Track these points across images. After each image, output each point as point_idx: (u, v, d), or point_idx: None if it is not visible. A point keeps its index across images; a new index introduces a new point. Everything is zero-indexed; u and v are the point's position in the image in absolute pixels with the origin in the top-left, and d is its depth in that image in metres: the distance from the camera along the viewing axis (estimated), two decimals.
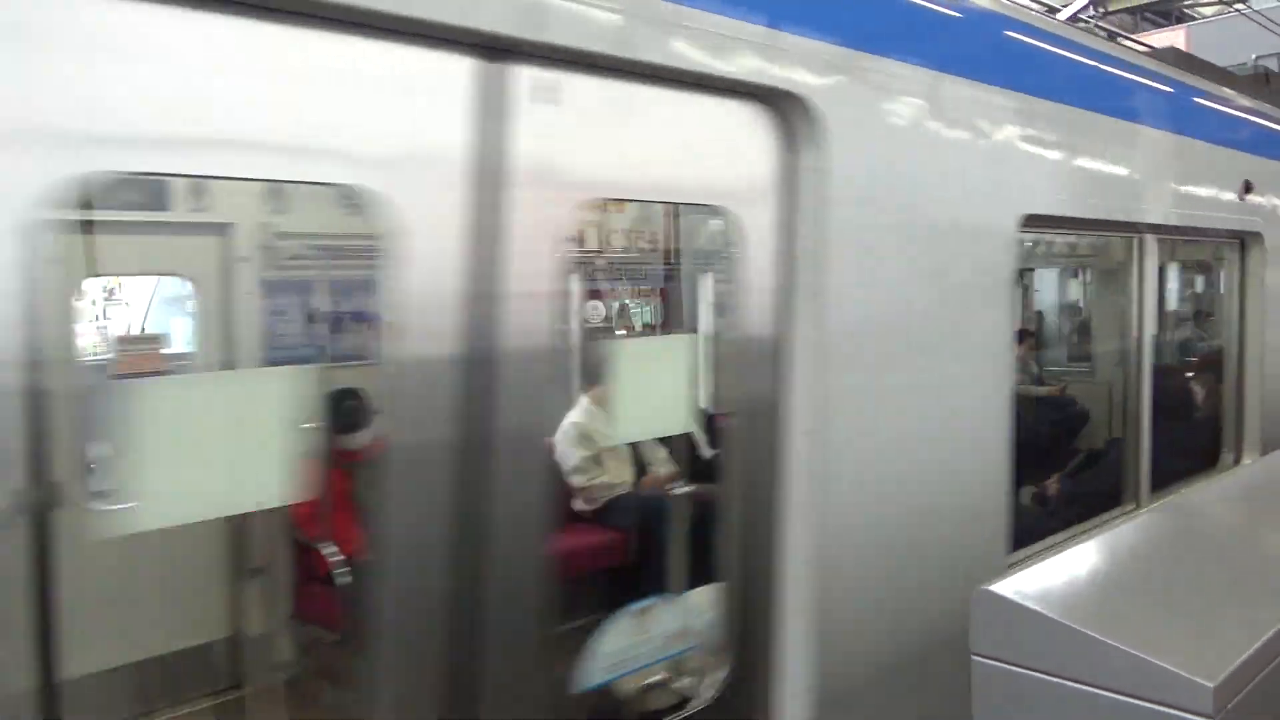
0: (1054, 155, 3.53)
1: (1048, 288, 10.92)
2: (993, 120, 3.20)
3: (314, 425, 1.98)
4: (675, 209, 6.43)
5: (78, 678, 1.85)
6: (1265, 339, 5.26)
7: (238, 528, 4.29)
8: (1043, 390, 9.16)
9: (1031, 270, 11.23)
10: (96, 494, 2.43)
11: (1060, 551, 3.80)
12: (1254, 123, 5.31)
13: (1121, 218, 4.04)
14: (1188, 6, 23.14)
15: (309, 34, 1.76)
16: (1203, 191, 4.69)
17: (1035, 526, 4.58)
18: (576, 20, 2.03)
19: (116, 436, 1.66)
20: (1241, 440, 5.33)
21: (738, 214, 2.52)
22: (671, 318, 7.47)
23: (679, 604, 2.81)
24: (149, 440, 1.68)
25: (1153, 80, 4.37)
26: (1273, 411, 5.35)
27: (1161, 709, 1.80)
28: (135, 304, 5.46)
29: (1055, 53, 3.66)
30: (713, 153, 2.48)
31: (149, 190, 4.56)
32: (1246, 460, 5.30)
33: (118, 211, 4.34)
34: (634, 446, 5.53)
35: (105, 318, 5.45)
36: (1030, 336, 9.96)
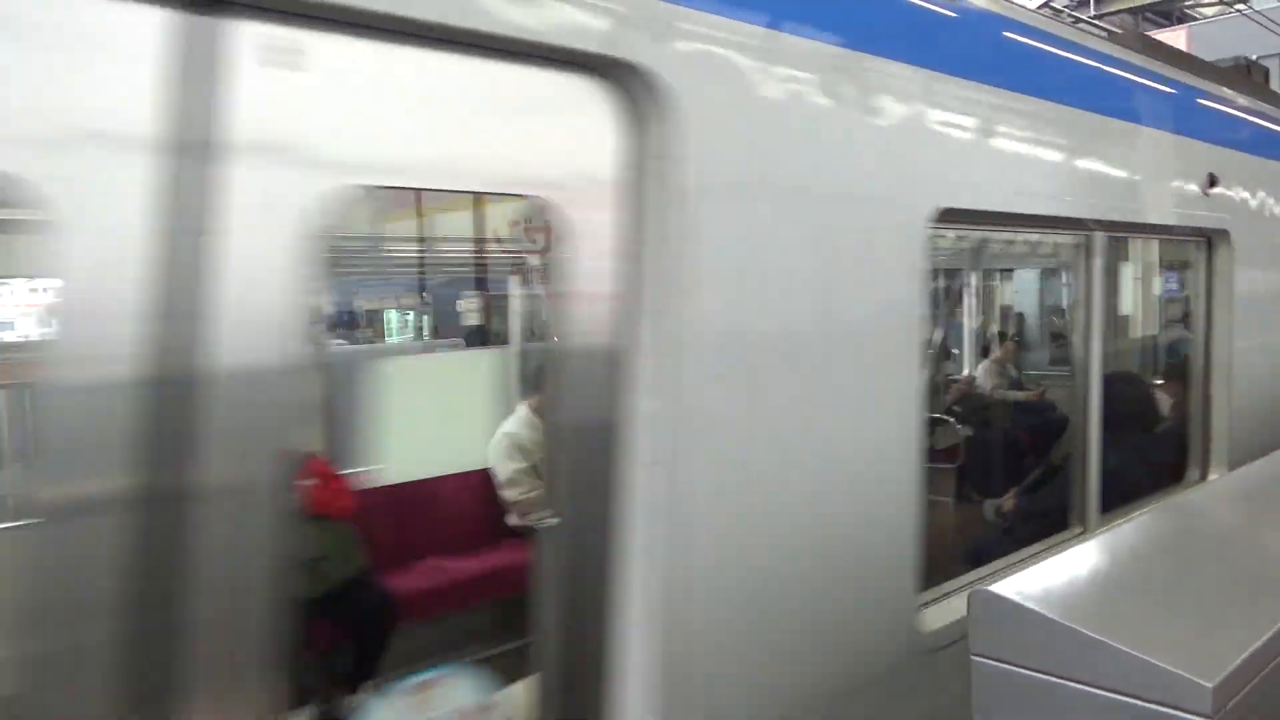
0: (977, 142, 3.15)
1: (1030, 289, 10.65)
2: (899, 101, 2.82)
3: None
4: (480, 200, 5.58)
5: None
6: (1234, 345, 4.87)
7: None
8: (1020, 395, 8.85)
9: (1011, 271, 10.93)
10: None
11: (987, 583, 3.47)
12: (1223, 113, 4.93)
13: (1064, 213, 3.66)
14: (1188, 6, 23.14)
15: None
16: (1162, 185, 4.31)
17: (978, 551, 4.23)
18: None
19: None
20: (1208, 454, 4.95)
21: (563, 206, 2.12)
22: (469, 326, 6.56)
23: (474, 677, 2.34)
24: None
25: (1104, 64, 4.00)
26: (1243, 424, 4.97)
27: (1160, 709, 1.80)
28: None
29: (982, 28, 3.28)
30: (529, 134, 2.08)
31: None
32: (1213, 476, 4.93)
33: None
34: None
35: None
36: (1008, 340, 9.65)
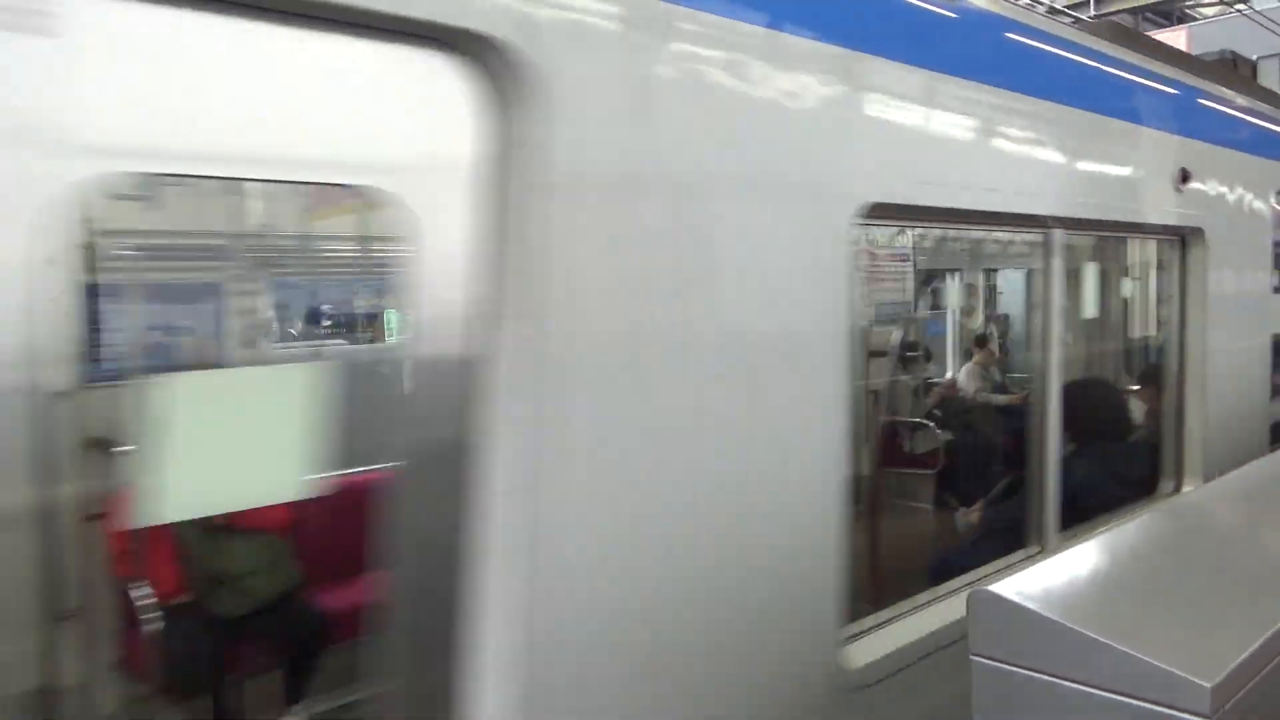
0: (915, 131, 2.89)
1: (1015, 289, 10.39)
2: (819, 85, 2.56)
3: None
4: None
5: None
6: (1209, 350, 4.61)
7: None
8: (1003, 399, 8.64)
9: (995, 271, 10.67)
10: None
11: (930, 607, 3.23)
12: (1200, 106, 4.67)
13: (1019, 209, 3.40)
14: (1189, 7, 23.16)
15: None
16: (1130, 181, 4.06)
17: (937, 568, 3.99)
18: None
19: None
20: (1182, 465, 4.69)
21: (405, 198, 1.85)
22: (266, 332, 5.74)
23: None
24: None
25: (1067, 50, 3.75)
26: (1219, 432, 4.71)
27: (1159, 709, 1.81)
28: None
29: (919, 8, 3.02)
30: (361, 116, 1.80)
31: None
32: (1188, 488, 4.67)
33: None
34: None
35: None
36: (989, 342, 9.41)
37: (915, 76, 2.86)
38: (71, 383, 1.52)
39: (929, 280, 9.87)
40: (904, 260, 8.26)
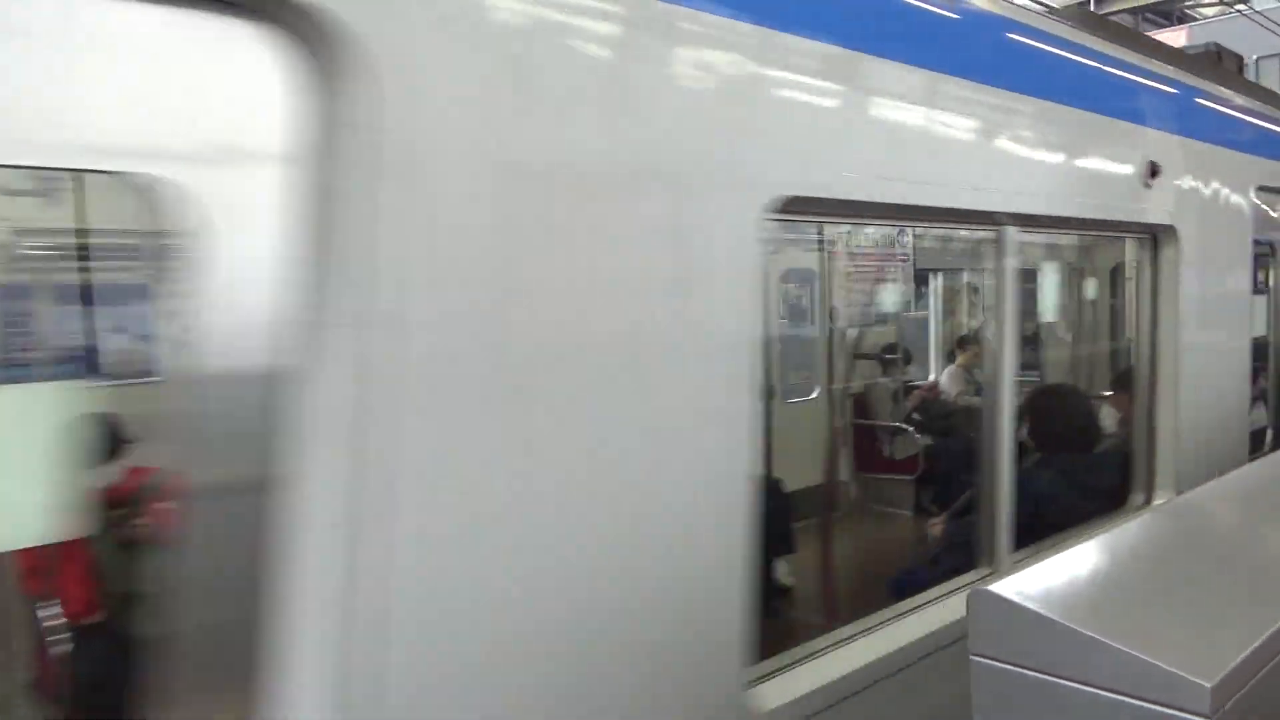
0: (839, 119, 2.63)
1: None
2: (721, 65, 2.30)
3: None
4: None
5: None
6: (1181, 354, 4.34)
7: None
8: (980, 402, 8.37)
9: (980, 271, 10.40)
10: None
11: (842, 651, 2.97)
12: (1174, 97, 4.41)
13: (964, 204, 3.15)
14: (1188, 7, 23.04)
15: None
16: (1091, 174, 3.80)
17: (897, 585, 3.74)
18: None
19: None
20: (1153, 476, 4.43)
21: (197, 188, 1.60)
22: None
23: None
24: None
25: (1024, 35, 3.50)
26: (1192, 441, 4.45)
27: (1159, 709, 1.82)
28: None
29: None
30: (141, 92, 1.56)
31: None
32: (1159, 500, 4.41)
33: None
34: None
35: None
36: (973, 344, 9.16)
37: (840, 57, 2.61)
38: None
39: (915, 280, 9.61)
40: (887, 260, 8.01)
